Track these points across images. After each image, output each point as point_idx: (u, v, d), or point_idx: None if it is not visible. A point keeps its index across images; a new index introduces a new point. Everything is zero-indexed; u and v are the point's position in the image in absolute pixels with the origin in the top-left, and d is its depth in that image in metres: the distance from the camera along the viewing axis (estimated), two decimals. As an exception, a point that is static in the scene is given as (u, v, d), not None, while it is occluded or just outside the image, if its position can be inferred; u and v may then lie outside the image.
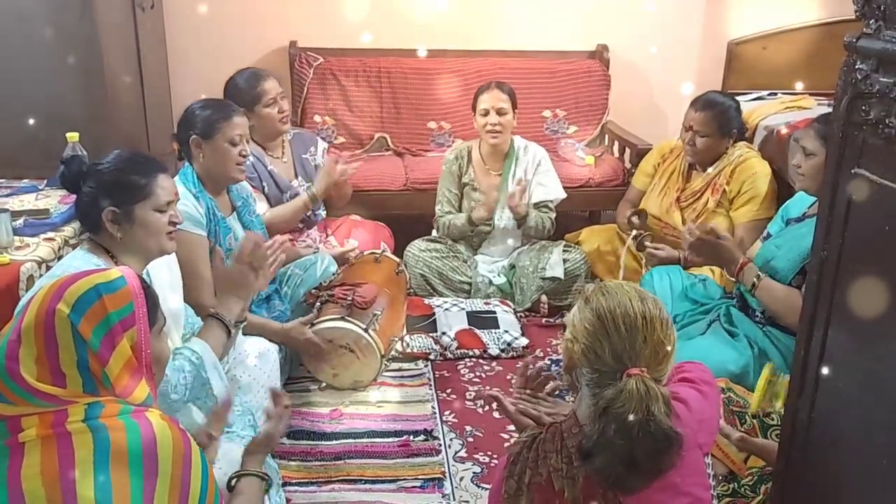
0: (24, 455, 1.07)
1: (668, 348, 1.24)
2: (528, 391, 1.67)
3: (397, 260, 2.81)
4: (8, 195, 2.56)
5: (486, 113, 2.97)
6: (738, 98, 2.92)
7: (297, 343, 2.30)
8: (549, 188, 3.09)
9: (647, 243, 2.73)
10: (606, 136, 3.79)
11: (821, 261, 1.23)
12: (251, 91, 2.70)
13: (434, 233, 3.17)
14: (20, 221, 2.28)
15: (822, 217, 1.22)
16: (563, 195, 3.13)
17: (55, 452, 1.07)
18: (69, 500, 1.05)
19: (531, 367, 1.69)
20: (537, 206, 3.08)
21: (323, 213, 2.98)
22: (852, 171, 1.14)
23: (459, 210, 3.12)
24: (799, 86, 3.59)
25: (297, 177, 2.86)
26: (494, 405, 1.64)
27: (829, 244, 1.20)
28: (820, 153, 2.07)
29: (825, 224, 1.20)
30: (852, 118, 1.13)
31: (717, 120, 2.75)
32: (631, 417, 1.15)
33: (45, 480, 1.06)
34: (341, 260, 2.72)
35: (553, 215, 3.12)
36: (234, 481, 1.43)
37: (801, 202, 2.34)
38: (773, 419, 1.85)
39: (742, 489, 1.73)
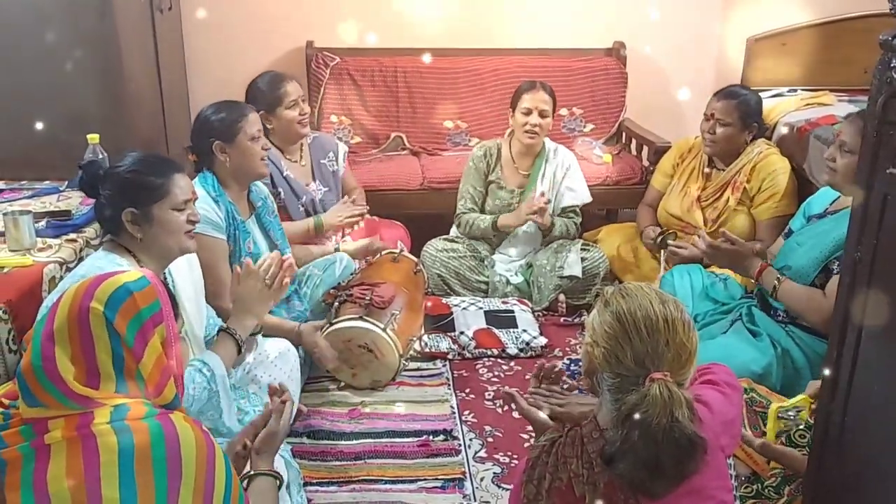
0: (49, 457, 1.08)
1: (691, 351, 1.22)
2: (542, 387, 1.67)
3: (415, 259, 2.80)
4: (30, 197, 2.58)
5: (528, 112, 2.93)
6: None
7: (309, 346, 2.31)
8: (577, 193, 3.07)
9: (670, 241, 2.71)
10: (624, 134, 3.76)
11: (854, 261, 1.20)
12: (273, 93, 2.68)
13: (453, 230, 3.15)
14: (42, 223, 2.29)
15: (855, 217, 1.20)
16: (590, 199, 3.11)
17: (80, 455, 1.07)
18: (94, 503, 1.05)
19: (546, 365, 1.70)
20: (565, 210, 3.07)
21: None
22: (887, 171, 1.12)
23: (482, 206, 3.10)
24: (819, 82, 3.55)
25: (314, 180, 2.85)
26: (512, 405, 1.64)
27: (862, 245, 1.18)
28: (858, 151, 2.03)
29: (859, 224, 1.18)
30: (888, 117, 1.11)
31: (740, 109, 2.73)
32: (655, 423, 1.13)
33: (70, 483, 1.06)
34: (363, 253, 2.71)
35: (578, 220, 3.10)
36: (245, 482, 1.43)
37: (823, 199, 2.31)
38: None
39: (766, 490, 1.71)
